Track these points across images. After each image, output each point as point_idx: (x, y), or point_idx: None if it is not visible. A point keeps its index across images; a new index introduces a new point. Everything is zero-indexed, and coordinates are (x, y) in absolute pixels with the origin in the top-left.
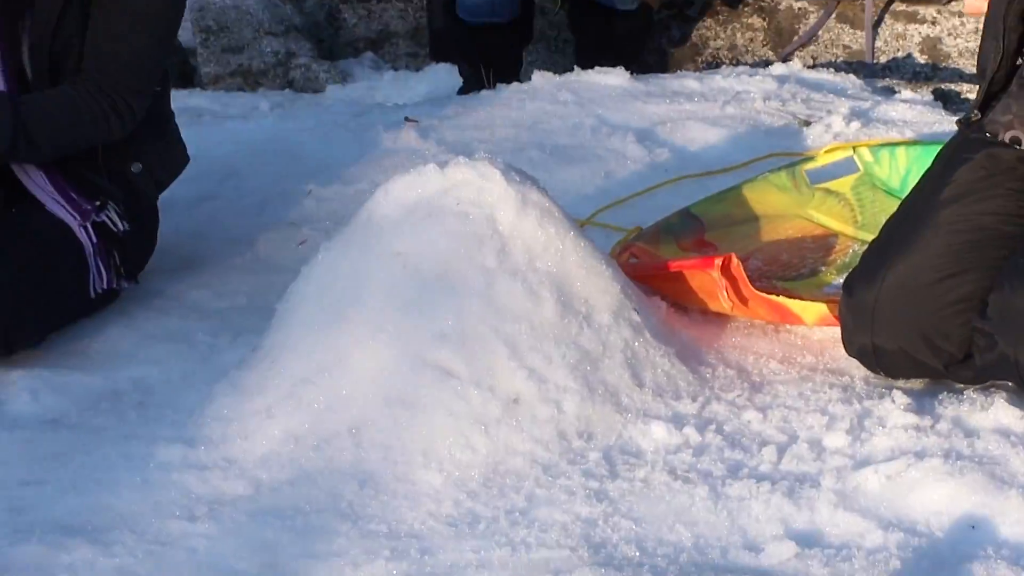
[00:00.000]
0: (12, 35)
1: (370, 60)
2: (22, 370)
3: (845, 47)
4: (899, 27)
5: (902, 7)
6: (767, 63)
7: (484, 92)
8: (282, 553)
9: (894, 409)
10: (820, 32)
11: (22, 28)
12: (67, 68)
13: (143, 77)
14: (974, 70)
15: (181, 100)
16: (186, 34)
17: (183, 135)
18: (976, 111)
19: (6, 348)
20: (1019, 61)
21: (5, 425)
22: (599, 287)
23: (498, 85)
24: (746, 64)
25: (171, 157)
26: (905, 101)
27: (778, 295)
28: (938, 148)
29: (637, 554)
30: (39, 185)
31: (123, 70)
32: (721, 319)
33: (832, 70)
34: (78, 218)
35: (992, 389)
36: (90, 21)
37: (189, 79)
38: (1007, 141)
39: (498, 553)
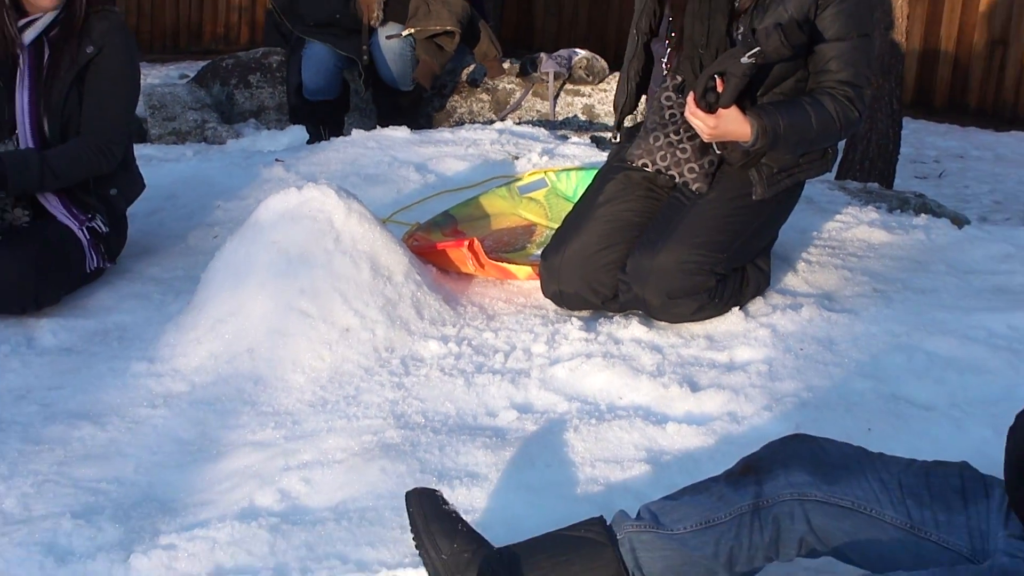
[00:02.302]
0: (34, 111)
1: (253, 124)
2: (47, 318)
3: (538, 111)
4: (569, 99)
5: (571, 87)
6: (492, 122)
7: (322, 143)
8: (209, 426)
9: (573, 329)
10: (523, 102)
11: (43, 105)
12: (71, 129)
13: (119, 132)
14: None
15: (139, 150)
16: (140, 109)
17: (141, 172)
18: (616, 132)
19: (36, 305)
20: (640, 105)
21: (36, 352)
22: (395, 260)
23: (330, 138)
24: (479, 122)
25: (134, 185)
26: (574, 143)
27: (502, 262)
28: (594, 172)
29: (423, 420)
30: (53, 205)
31: (108, 129)
32: (469, 278)
33: (531, 125)
34: (77, 224)
35: (630, 315)
36: (83, 99)
37: (143, 137)
38: (639, 166)
39: (340, 422)
